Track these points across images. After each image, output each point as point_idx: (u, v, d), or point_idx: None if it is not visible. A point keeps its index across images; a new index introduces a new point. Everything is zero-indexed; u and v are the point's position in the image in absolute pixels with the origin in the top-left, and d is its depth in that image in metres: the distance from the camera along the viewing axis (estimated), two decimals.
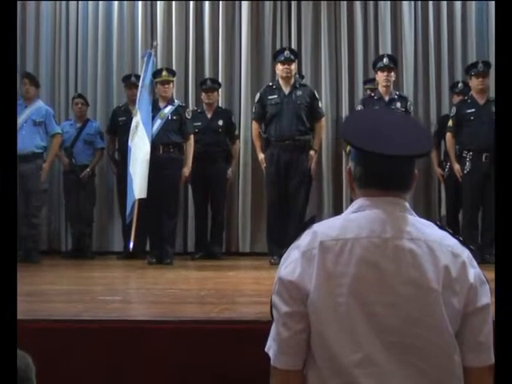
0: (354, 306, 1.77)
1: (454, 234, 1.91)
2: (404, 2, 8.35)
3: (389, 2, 8.37)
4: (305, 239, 1.87)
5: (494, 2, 8.21)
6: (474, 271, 1.84)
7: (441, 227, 1.92)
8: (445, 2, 8.38)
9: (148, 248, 7.39)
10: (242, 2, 8.38)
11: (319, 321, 1.80)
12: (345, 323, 1.77)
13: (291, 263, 1.85)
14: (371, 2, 8.39)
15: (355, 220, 1.87)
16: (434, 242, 1.83)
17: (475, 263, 1.87)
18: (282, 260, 1.92)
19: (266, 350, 1.92)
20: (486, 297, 1.85)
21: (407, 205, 1.92)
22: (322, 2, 8.34)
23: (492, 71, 7.41)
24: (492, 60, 7.74)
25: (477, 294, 1.83)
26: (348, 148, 1.78)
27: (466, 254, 1.86)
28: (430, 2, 8.38)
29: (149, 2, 8.49)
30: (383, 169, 1.87)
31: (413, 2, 8.39)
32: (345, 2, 8.34)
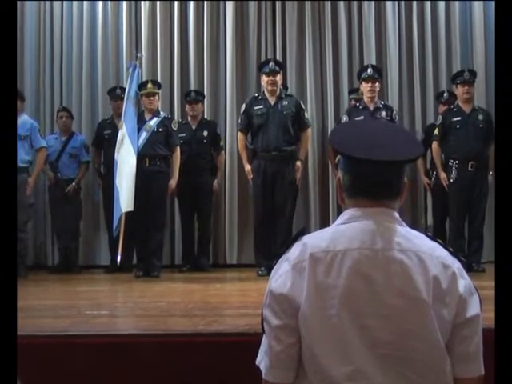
0: (345, 318, 1.76)
1: (445, 245, 1.91)
2: (388, 11, 8.41)
3: (373, 11, 8.43)
4: (295, 252, 1.86)
5: (476, 11, 8.33)
6: (464, 282, 1.84)
7: (432, 238, 1.92)
8: (428, 11, 8.45)
9: (135, 261, 7.34)
10: (227, 14, 8.40)
11: (310, 333, 1.79)
12: (336, 335, 1.77)
13: (282, 276, 1.84)
14: (355, 12, 8.45)
15: (345, 231, 1.86)
16: (424, 253, 1.82)
17: (465, 274, 1.87)
18: (272, 273, 1.90)
19: (256, 363, 1.91)
20: (476, 308, 1.84)
21: (397, 215, 1.91)
22: (307, 11, 8.39)
23: (478, 80, 7.49)
24: (476, 69, 7.82)
25: (466, 304, 1.83)
26: (337, 158, 1.77)
27: (456, 265, 1.85)
28: (414, 11, 8.45)
29: (133, 13, 8.51)
30: (371, 176, 1.86)
31: (397, 11, 8.47)
32: (329, 12, 8.39)
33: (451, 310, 1.80)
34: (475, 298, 1.85)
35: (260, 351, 1.92)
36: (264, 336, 1.88)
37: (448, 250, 1.88)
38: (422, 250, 1.83)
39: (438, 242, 1.91)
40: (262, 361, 1.89)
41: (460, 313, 1.81)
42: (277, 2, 8.44)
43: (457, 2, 8.47)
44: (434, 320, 1.77)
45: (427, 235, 1.93)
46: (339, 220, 1.93)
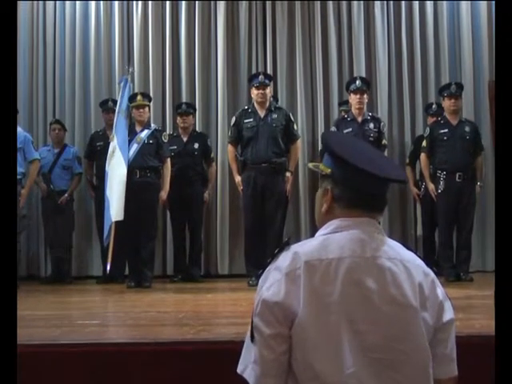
0: (341, 325, 1.79)
1: (418, 255, 1.99)
2: (377, 22, 8.49)
3: (362, 23, 8.51)
4: (285, 260, 1.86)
5: (464, 24, 8.42)
6: (440, 289, 1.93)
7: (408, 248, 1.99)
8: (417, 24, 8.53)
9: (127, 272, 7.37)
10: (218, 26, 8.48)
11: (306, 340, 1.80)
12: (332, 341, 1.79)
13: (273, 284, 1.84)
14: (345, 24, 8.53)
15: (335, 240, 1.89)
16: (408, 262, 1.89)
17: (439, 282, 1.96)
18: (260, 282, 1.91)
19: (239, 372, 1.89)
20: (451, 312, 1.93)
21: (380, 226, 1.99)
22: (297, 22, 8.47)
23: (466, 90, 7.58)
24: (464, 82, 7.92)
25: (444, 309, 1.92)
26: (328, 170, 1.79)
27: (432, 273, 1.95)
28: (403, 24, 8.53)
29: (125, 27, 8.57)
30: (375, 191, 1.94)
31: (386, 24, 8.54)
32: (319, 24, 8.46)
33: (433, 315, 1.88)
34: (449, 303, 1.94)
35: (242, 360, 1.90)
36: (252, 345, 1.86)
37: (422, 260, 1.97)
38: (405, 258, 1.90)
39: (414, 252, 1.99)
40: (246, 370, 1.87)
41: (439, 317, 1.90)
42: (267, 14, 8.53)
43: (445, 9, 8.56)
44: (422, 325, 1.84)
45: (404, 245, 2.00)
46: (324, 230, 1.96)
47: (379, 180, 1.91)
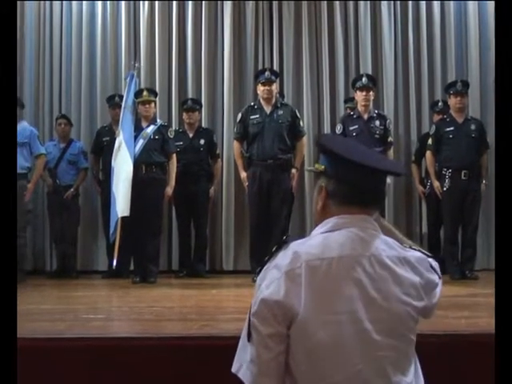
0: (345, 323, 1.80)
1: (413, 248, 2.01)
2: (384, 20, 8.48)
3: (369, 21, 8.50)
4: (284, 259, 1.86)
5: (471, 23, 8.41)
6: (434, 275, 1.99)
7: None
8: (424, 23, 8.52)
9: (132, 267, 7.38)
10: (225, 23, 8.48)
11: (309, 339, 1.80)
12: (337, 340, 1.80)
13: (272, 283, 1.84)
14: (352, 22, 8.52)
15: (334, 238, 1.89)
16: (405, 258, 1.92)
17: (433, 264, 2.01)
18: (258, 280, 1.91)
19: (234, 371, 1.89)
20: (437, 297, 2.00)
21: (376, 223, 1.99)
22: (303, 20, 8.47)
23: (471, 90, 7.56)
24: (470, 80, 7.91)
25: (435, 294, 1.99)
26: (322, 167, 1.79)
27: (427, 258, 1.99)
28: (410, 23, 8.52)
29: (132, 23, 8.58)
30: (369, 185, 1.94)
31: (393, 20, 8.53)
32: (326, 22, 8.46)
33: (428, 307, 1.95)
34: (439, 287, 2.02)
35: (237, 359, 1.90)
36: (248, 343, 1.85)
37: (419, 251, 2.00)
38: (402, 255, 1.92)
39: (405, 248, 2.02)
40: (240, 368, 1.87)
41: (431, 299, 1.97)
42: (274, 13, 8.53)
43: (452, 9, 8.55)
44: (415, 321, 1.88)
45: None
46: (323, 228, 1.96)
47: (372, 172, 1.91)
